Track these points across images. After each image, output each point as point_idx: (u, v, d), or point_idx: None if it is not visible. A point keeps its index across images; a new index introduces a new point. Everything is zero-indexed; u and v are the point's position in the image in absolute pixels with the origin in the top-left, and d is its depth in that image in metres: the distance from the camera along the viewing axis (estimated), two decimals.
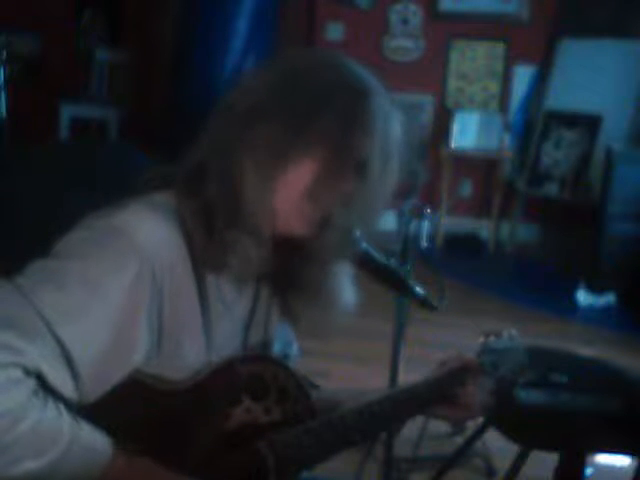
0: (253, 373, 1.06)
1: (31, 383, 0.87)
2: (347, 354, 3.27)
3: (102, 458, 0.91)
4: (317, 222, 1.02)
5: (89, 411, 0.93)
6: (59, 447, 0.88)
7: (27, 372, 0.87)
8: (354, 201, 1.02)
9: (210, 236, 1.00)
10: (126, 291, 0.93)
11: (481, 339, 1.33)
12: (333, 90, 1.01)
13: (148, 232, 0.96)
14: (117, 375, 0.95)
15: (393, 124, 1.04)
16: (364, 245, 1.12)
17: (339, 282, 1.11)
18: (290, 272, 1.10)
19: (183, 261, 1.00)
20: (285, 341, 1.29)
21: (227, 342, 1.10)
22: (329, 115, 0.99)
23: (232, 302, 1.10)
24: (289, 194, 1.01)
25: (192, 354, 1.03)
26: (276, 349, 1.24)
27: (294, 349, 1.32)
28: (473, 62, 5.48)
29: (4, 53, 3.88)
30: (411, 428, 1.44)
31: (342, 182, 1.00)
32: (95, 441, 0.92)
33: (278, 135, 0.99)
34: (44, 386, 0.89)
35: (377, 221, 1.09)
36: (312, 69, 1.04)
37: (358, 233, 1.10)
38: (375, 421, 1.16)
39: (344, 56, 1.07)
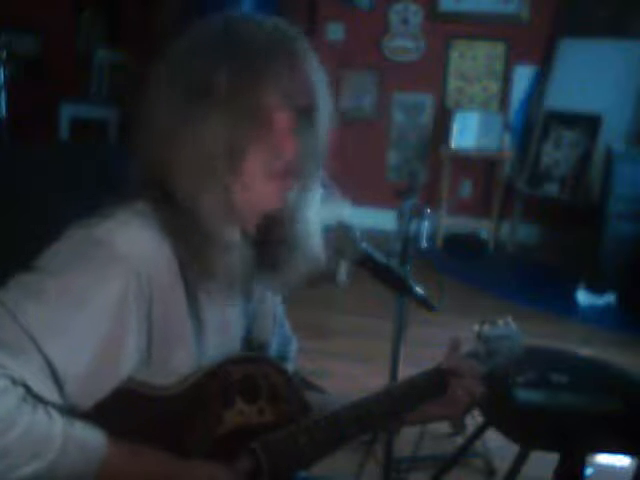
0: (244, 374, 1.06)
1: (19, 390, 0.87)
2: (347, 354, 3.27)
3: (98, 452, 0.91)
4: (287, 189, 1.02)
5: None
6: (53, 449, 0.88)
7: (14, 382, 0.86)
8: (304, 153, 1.00)
9: (190, 249, 0.99)
10: (112, 303, 0.93)
11: (476, 327, 1.32)
12: (214, 59, 0.98)
13: (131, 241, 0.96)
14: (107, 385, 0.95)
15: (299, 62, 1.00)
16: (364, 245, 1.12)
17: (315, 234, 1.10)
18: (276, 248, 1.09)
19: (170, 267, 0.99)
20: (283, 342, 1.28)
21: (222, 343, 1.09)
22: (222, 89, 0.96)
23: (223, 303, 1.10)
24: (247, 183, 1.00)
25: (183, 359, 1.02)
26: (274, 350, 1.24)
27: (292, 351, 1.32)
28: (473, 62, 5.48)
29: (4, 53, 3.88)
30: (411, 428, 1.44)
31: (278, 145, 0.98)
32: (89, 437, 0.91)
33: (169, 125, 0.98)
34: (32, 394, 0.89)
35: (325, 153, 1.07)
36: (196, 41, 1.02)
37: (358, 233, 1.10)
38: (369, 417, 1.15)
39: (231, 16, 1.04)
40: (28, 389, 0.88)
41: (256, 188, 1.00)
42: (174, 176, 0.99)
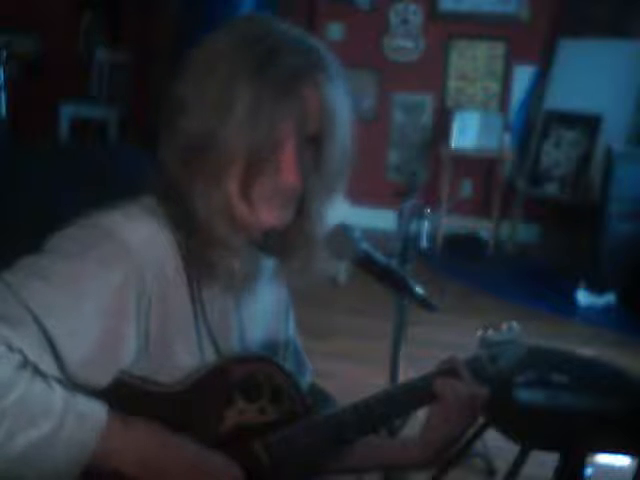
0: (246, 373, 1.06)
1: (17, 357, 0.87)
2: (347, 354, 3.27)
3: (98, 423, 0.91)
4: (288, 207, 1.02)
5: None
6: (53, 416, 0.87)
7: (11, 349, 0.87)
8: (314, 174, 1.00)
9: (193, 247, 1.00)
10: (113, 290, 0.93)
11: (479, 332, 1.32)
12: (236, 71, 0.96)
13: (137, 233, 0.96)
14: (105, 374, 0.95)
15: (323, 91, 0.98)
16: (364, 245, 1.12)
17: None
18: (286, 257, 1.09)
19: (173, 262, 1.00)
20: (298, 371, 1.26)
21: (223, 343, 1.09)
22: (241, 96, 0.95)
23: (225, 304, 1.09)
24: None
25: (185, 357, 1.02)
26: None
27: (306, 382, 1.29)
28: (473, 62, 5.48)
29: (4, 53, 3.88)
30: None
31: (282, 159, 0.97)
32: (89, 407, 0.91)
33: (197, 129, 0.97)
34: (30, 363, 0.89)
35: (341, 187, 1.07)
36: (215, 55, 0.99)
37: (358, 233, 1.10)
38: (371, 418, 1.14)
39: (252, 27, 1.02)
40: (26, 358, 0.88)
41: (256, 207, 1.00)
42: (186, 178, 0.99)
